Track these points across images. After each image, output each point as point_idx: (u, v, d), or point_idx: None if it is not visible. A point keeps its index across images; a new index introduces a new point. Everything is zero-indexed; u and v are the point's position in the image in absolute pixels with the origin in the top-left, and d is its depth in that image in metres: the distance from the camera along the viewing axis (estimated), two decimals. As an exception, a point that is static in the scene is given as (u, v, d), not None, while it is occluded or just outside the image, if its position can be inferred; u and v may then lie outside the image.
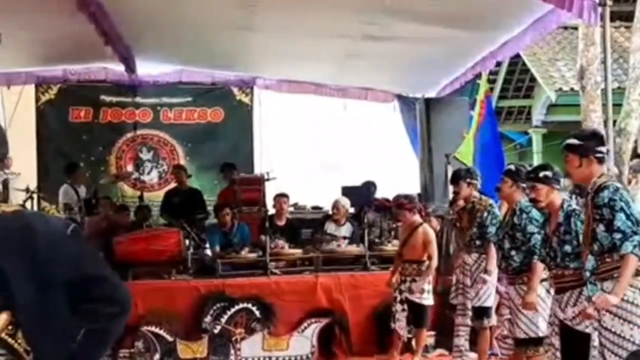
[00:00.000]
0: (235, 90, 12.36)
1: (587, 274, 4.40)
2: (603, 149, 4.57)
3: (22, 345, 2.11)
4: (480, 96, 9.93)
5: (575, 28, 12.36)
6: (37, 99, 11.81)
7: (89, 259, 2.26)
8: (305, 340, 7.90)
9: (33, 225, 2.16)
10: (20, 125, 10.46)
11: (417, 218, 7.55)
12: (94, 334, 2.21)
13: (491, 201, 6.87)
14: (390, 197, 9.56)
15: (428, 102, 10.86)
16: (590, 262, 4.38)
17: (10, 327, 2.09)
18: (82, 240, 2.30)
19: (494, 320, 6.82)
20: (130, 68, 10.86)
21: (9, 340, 2.09)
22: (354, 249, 8.64)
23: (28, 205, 9.18)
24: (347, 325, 8.02)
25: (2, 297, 2.07)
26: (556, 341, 4.93)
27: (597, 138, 4.65)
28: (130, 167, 12.07)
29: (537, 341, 5.55)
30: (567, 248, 4.92)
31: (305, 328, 7.93)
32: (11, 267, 2.07)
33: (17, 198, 9.37)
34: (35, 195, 9.96)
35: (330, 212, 9.32)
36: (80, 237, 2.29)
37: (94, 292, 2.21)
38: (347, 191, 9.94)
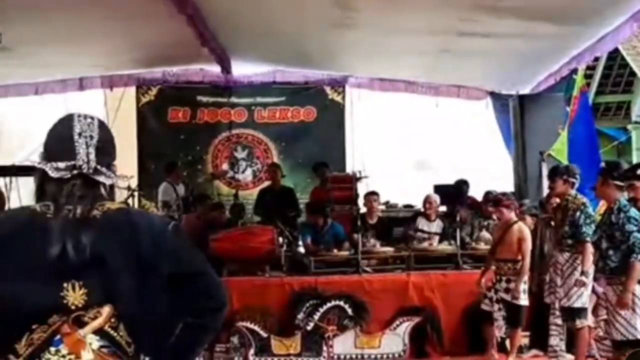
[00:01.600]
0: (327, 89, 12.44)
1: None
2: None
3: (124, 338, 2.20)
4: (576, 92, 9.69)
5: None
6: (138, 101, 12.22)
7: (189, 255, 2.33)
8: (397, 338, 7.90)
9: (137, 222, 2.26)
10: (122, 126, 10.83)
11: (512, 216, 7.45)
12: (192, 328, 2.30)
13: (584, 200, 6.71)
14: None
15: (522, 99, 10.67)
16: None
17: (113, 320, 2.19)
18: (182, 237, 2.37)
19: (589, 321, 6.66)
20: (226, 69, 11.13)
21: (112, 332, 2.19)
22: (446, 248, 8.58)
23: (129, 202, 9.54)
24: (439, 324, 7.98)
25: (106, 291, 2.16)
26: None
27: None
28: (225, 166, 12.33)
29: (636, 343, 5.40)
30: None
31: (397, 326, 7.93)
32: (115, 262, 2.17)
33: (119, 196, 9.74)
34: (136, 194, 10.34)
35: (421, 209, 9.29)
36: (180, 234, 2.36)
37: (192, 287, 2.29)
38: (439, 190, 9.88)
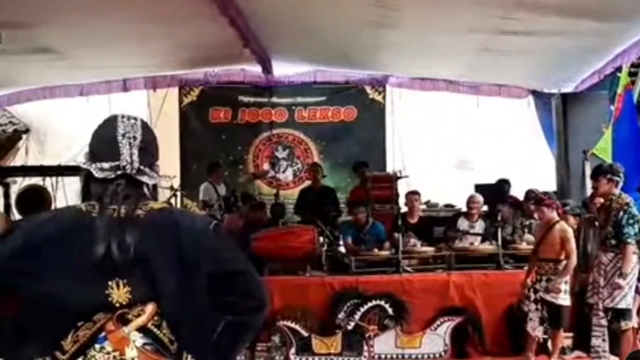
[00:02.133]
0: (368, 88, 12.45)
1: None
2: None
3: (166, 336, 2.23)
4: (620, 90, 9.53)
5: None
6: (180, 101, 12.37)
7: (230, 254, 2.37)
8: (438, 338, 7.87)
9: (179, 221, 2.30)
10: (164, 126, 10.99)
11: (554, 215, 7.37)
12: (234, 326, 2.32)
13: (628, 199, 6.61)
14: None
15: (565, 98, 10.54)
16: None
17: (156, 318, 2.22)
18: (223, 237, 2.41)
19: (633, 322, 6.57)
20: (267, 69, 11.21)
21: (155, 330, 2.22)
22: (488, 247, 8.52)
23: (172, 202, 9.66)
24: (480, 324, 7.92)
25: (149, 289, 2.20)
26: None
27: None
28: (266, 166, 12.41)
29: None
30: None
31: (438, 326, 7.89)
32: (159, 261, 2.21)
33: (162, 196, 9.86)
34: (178, 193, 10.46)
35: (463, 209, 9.24)
36: (221, 234, 2.41)
37: (234, 286, 2.32)
38: (480, 189, 9.81)
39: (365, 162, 11.01)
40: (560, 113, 10.43)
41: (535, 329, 7.27)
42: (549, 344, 7.44)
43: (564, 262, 7.12)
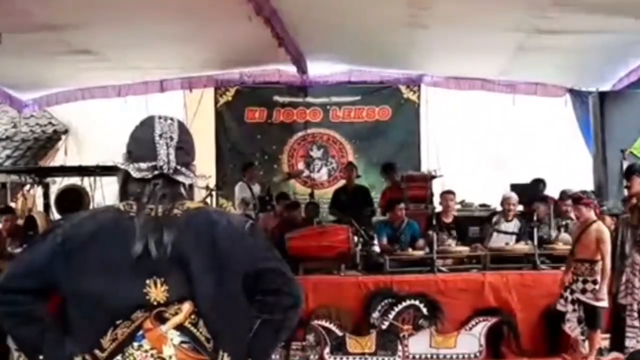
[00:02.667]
0: (402, 88, 12.44)
1: None
2: None
3: (203, 334, 2.24)
4: (659, 88, 9.42)
5: None
6: (216, 101, 12.47)
7: (266, 253, 2.38)
8: (473, 338, 7.82)
9: (215, 220, 2.31)
10: (200, 126, 11.08)
11: (592, 215, 7.29)
12: (269, 325, 2.34)
13: None
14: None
15: (602, 96, 10.44)
16: None
17: (193, 317, 2.24)
18: (259, 236, 2.42)
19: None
20: (302, 69, 11.25)
21: (192, 328, 2.24)
22: (523, 247, 8.45)
23: (207, 202, 9.74)
24: (516, 325, 7.85)
25: (186, 288, 2.22)
26: None
27: None
28: (301, 165, 12.46)
29: None
30: None
31: (473, 326, 7.84)
32: (195, 259, 2.22)
33: (198, 195, 9.95)
34: (214, 193, 10.54)
35: (498, 209, 9.18)
36: (257, 233, 2.42)
37: (269, 284, 2.34)
38: (515, 188, 9.74)
39: (393, 164, 10.98)
40: (598, 112, 10.33)
41: (574, 330, 7.21)
42: (586, 344, 7.37)
43: (600, 263, 7.05)
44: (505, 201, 9.00)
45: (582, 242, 7.21)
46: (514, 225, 8.88)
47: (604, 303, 7.06)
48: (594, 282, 7.08)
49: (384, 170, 11.01)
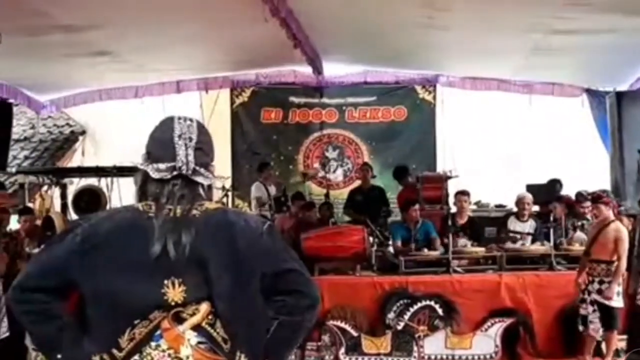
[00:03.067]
0: (418, 88, 12.43)
1: None
2: None
3: (220, 335, 2.25)
4: (677, 88, 9.35)
5: None
6: (232, 102, 12.51)
7: (283, 254, 2.39)
8: (488, 339, 7.80)
9: (234, 221, 2.32)
10: (217, 127, 11.12)
11: (610, 214, 7.26)
12: (286, 326, 2.34)
13: None
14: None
15: (620, 96, 10.38)
16: None
17: (210, 317, 2.24)
18: (276, 237, 2.42)
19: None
20: (318, 70, 11.28)
21: (209, 329, 2.25)
22: (539, 248, 8.42)
23: (224, 202, 9.77)
24: (532, 326, 7.83)
25: (204, 288, 2.22)
26: None
27: None
28: (316, 166, 12.46)
29: None
30: None
31: (489, 327, 7.82)
32: (213, 260, 2.23)
33: (214, 196, 9.97)
34: (229, 193, 10.57)
35: (514, 209, 9.15)
36: (275, 234, 2.42)
37: (287, 285, 2.35)
38: (531, 189, 9.71)
39: (405, 167, 10.94)
40: (615, 112, 10.28)
41: (598, 331, 7.18)
42: (603, 345, 7.34)
43: (616, 263, 7.01)
44: (519, 201, 8.98)
45: (600, 242, 7.17)
46: (529, 226, 8.85)
47: (618, 303, 7.03)
48: (610, 283, 7.05)
49: (396, 174, 10.94)
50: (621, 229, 7.13)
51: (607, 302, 7.00)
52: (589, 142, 11.28)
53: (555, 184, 10.08)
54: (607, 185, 10.18)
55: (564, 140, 11.36)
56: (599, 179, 10.44)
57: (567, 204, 9.45)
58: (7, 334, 7.04)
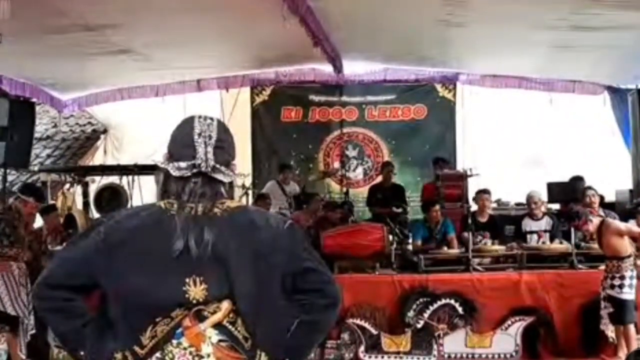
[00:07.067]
0: (438, 86, 12.39)
1: None
2: None
3: (241, 333, 2.26)
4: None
5: None
6: (252, 101, 12.54)
7: (304, 253, 2.39)
8: (509, 338, 7.77)
9: (255, 220, 2.33)
10: (237, 125, 11.12)
11: (595, 220, 7.36)
12: (307, 324, 2.35)
13: None
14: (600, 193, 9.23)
15: (642, 93, 10.29)
16: None
17: (231, 315, 2.25)
18: (297, 236, 2.42)
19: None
20: (338, 68, 11.26)
21: (230, 327, 2.25)
22: (560, 247, 8.39)
23: (244, 200, 9.82)
24: (553, 324, 7.80)
25: (225, 287, 2.23)
26: None
27: None
28: (336, 164, 12.48)
29: None
30: None
31: (509, 326, 7.79)
32: (235, 258, 2.24)
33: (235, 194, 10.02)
34: (249, 191, 10.61)
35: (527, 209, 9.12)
36: (297, 232, 2.43)
37: (307, 284, 2.35)
38: (552, 187, 9.65)
39: (445, 158, 10.93)
40: (637, 109, 10.19)
41: (607, 326, 7.15)
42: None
43: (627, 259, 7.02)
44: (528, 200, 8.96)
45: (602, 244, 7.28)
46: (544, 223, 8.81)
47: (630, 295, 7.00)
48: (621, 277, 7.04)
49: (436, 163, 10.81)
50: (610, 222, 7.30)
51: (618, 295, 6.98)
52: (611, 140, 11.20)
53: (577, 181, 10.00)
54: (629, 184, 10.11)
55: (585, 139, 11.29)
56: (622, 177, 10.37)
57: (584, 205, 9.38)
58: (34, 330, 7.13)
